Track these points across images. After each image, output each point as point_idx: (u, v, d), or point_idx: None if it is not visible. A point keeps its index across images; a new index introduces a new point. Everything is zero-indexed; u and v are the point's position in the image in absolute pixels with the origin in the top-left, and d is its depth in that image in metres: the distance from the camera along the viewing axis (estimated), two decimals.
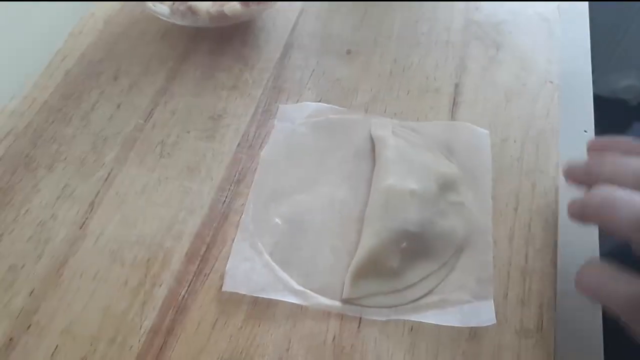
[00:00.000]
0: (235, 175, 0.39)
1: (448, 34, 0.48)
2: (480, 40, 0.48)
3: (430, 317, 0.33)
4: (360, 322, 0.33)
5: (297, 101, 0.44)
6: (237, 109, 0.43)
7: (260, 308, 0.33)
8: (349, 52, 0.47)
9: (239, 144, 0.41)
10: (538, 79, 0.45)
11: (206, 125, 0.42)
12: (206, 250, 0.36)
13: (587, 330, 0.34)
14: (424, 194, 0.36)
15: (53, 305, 0.33)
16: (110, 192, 0.38)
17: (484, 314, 0.33)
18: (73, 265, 0.35)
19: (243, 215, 0.37)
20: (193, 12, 0.44)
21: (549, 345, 0.32)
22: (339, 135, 0.41)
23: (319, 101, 0.43)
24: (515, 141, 0.41)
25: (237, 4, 0.44)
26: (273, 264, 0.35)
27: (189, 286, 0.34)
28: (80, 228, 0.36)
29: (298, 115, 0.42)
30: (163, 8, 0.45)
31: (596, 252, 0.37)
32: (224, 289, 0.33)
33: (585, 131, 0.39)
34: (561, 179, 0.37)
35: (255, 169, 0.39)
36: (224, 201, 0.38)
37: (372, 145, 0.40)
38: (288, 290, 0.34)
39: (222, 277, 0.34)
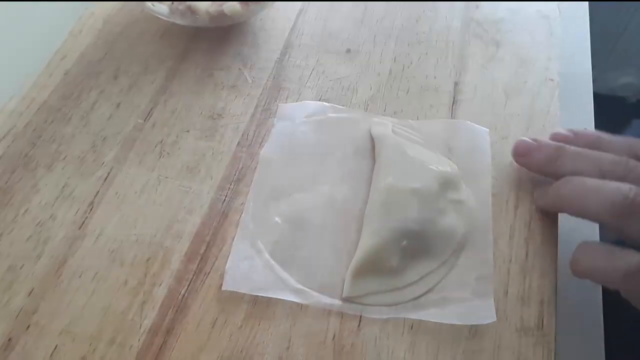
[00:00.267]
0: (235, 175, 0.39)
1: (448, 32, 0.48)
2: (479, 39, 0.48)
3: (431, 315, 0.33)
4: (360, 321, 0.33)
5: (297, 100, 0.43)
6: (236, 108, 0.43)
7: (260, 307, 0.33)
8: (348, 50, 0.47)
9: (238, 143, 0.41)
10: (538, 76, 0.45)
11: (206, 125, 0.42)
12: (206, 249, 0.36)
13: (588, 327, 0.34)
14: (424, 193, 0.36)
15: (52, 305, 0.33)
16: (110, 192, 0.38)
17: (484, 311, 0.33)
18: (72, 265, 0.35)
19: (243, 214, 0.37)
20: (192, 11, 0.44)
21: (549, 343, 0.32)
22: (338, 134, 0.41)
23: (319, 100, 0.43)
24: (515, 139, 0.41)
25: (236, 4, 0.44)
26: (273, 262, 0.35)
27: (188, 285, 0.34)
28: (80, 228, 0.36)
29: (298, 114, 0.42)
30: (162, 7, 0.45)
31: None
32: (223, 287, 0.33)
33: (585, 129, 0.39)
34: None
35: (255, 168, 0.39)
36: (224, 200, 0.38)
37: (372, 143, 0.40)
38: (288, 289, 0.34)
39: (222, 276, 0.34)
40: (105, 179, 0.39)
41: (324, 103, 0.43)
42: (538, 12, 0.51)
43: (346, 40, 0.48)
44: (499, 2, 0.51)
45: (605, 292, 0.35)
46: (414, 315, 0.33)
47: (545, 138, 0.38)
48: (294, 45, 0.47)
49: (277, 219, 0.37)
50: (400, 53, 0.47)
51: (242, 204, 0.37)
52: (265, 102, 0.43)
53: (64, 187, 0.38)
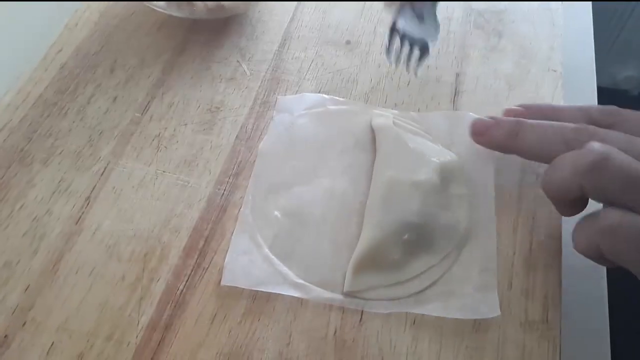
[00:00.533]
0: (233, 168, 0.39)
1: (449, 22, 0.48)
2: (481, 29, 0.47)
3: (433, 310, 0.33)
4: (362, 316, 0.32)
5: (296, 92, 0.43)
6: (235, 101, 0.42)
7: (260, 302, 0.33)
8: (348, 42, 0.46)
9: (237, 137, 0.40)
10: (540, 67, 0.45)
11: (204, 118, 0.41)
12: (204, 244, 0.35)
13: (593, 321, 0.33)
14: (426, 185, 0.35)
15: (49, 301, 0.33)
16: (107, 187, 0.37)
17: (487, 305, 0.32)
18: (69, 261, 0.34)
19: (242, 208, 0.36)
20: (190, 3, 0.44)
21: (554, 337, 0.32)
22: (338, 126, 0.40)
23: (318, 92, 0.43)
24: None
25: None
26: (273, 257, 0.34)
27: (187, 281, 0.34)
28: (76, 223, 0.36)
29: (297, 106, 0.42)
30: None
31: None
32: (222, 282, 0.33)
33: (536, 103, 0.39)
34: None
35: (254, 162, 0.39)
36: (223, 194, 0.37)
37: (373, 136, 0.40)
38: (288, 283, 0.33)
39: (220, 271, 0.33)
40: (102, 173, 0.38)
41: (324, 95, 0.42)
42: (540, 2, 0.50)
43: (346, 31, 0.47)
44: None
45: (611, 284, 0.35)
46: (416, 310, 0.33)
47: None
48: (293, 36, 0.47)
49: (276, 212, 0.36)
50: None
51: (241, 197, 0.37)
52: (264, 95, 0.43)
53: (60, 181, 0.38)
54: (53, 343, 0.31)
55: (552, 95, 0.42)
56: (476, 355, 0.31)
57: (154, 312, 0.32)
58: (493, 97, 0.43)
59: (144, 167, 0.38)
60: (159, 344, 0.31)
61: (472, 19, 0.48)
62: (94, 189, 0.37)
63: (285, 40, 0.46)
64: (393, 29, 0.41)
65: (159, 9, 0.44)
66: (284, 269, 0.34)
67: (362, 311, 0.33)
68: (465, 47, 0.46)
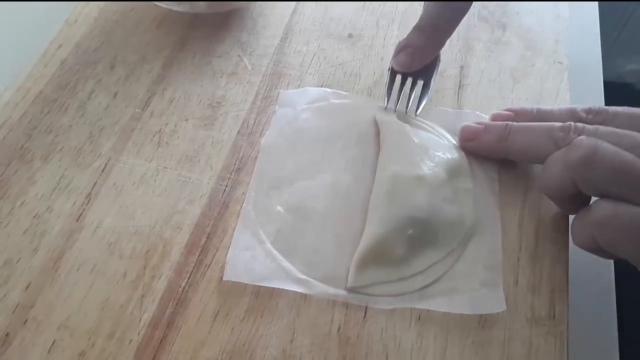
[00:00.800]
0: (235, 164, 0.38)
1: None
2: (485, 21, 0.47)
3: (438, 305, 0.32)
4: (366, 312, 0.32)
5: (298, 86, 0.42)
6: (236, 95, 0.42)
7: (263, 299, 0.32)
8: (350, 35, 0.46)
9: (238, 132, 0.40)
10: (546, 59, 0.44)
11: (205, 113, 0.41)
12: (206, 240, 0.35)
13: (601, 316, 0.33)
14: (430, 180, 0.35)
15: (50, 299, 0.32)
16: (108, 183, 0.37)
17: (493, 301, 0.32)
18: (70, 258, 0.34)
19: (244, 204, 0.36)
20: None
21: (561, 333, 0.31)
22: (341, 120, 0.40)
23: (321, 86, 0.42)
24: None
25: None
26: (275, 252, 0.34)
27: (189, 277, 0.33)
28: (77, 220, 0.35)
29: (299, 100, 0.41)
30: None
31: None
32: (224, 278, 0.32)
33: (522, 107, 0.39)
34: None
35: (256, 157, 0.38)
36: (224, 190, 0.37)
37: (376, 130, 0.39)
38: (291, 279, 0.33)
39: (223, 268, 0.33)
40: (103, 170, 0.38)
41: (326, 89, 0.42)
42: None
43: (348, 24, 0.47)
44: None
45: (619, 278, 0.35)
46: (420, 305, 0.32)
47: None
48: (295, 30, 0.46)
49: (279, 208, 0.36)
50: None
51: (243, 193, 0.37)
52: (266, 89, 0.42)
53: (60, 178, 0.37)
54: (54, 341, 0.31)
55: (557, 88, 0.42)
56: (482, 351, 0.31)
57: (156, 309, 0.32)
58: (497, 90, 0.42)
59: (145, 163, 0.38)
60: (161, 341, 0.31)
61: (476, 11, 0.48)
62: (94, 185, 0.37)
63: (286, 34, 0.46)
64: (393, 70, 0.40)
65: (159, 4, 0.44)
66: (287, 265, 0.33)
67: (366, 307, 0.32)
68: (469, 40, 0.45)
